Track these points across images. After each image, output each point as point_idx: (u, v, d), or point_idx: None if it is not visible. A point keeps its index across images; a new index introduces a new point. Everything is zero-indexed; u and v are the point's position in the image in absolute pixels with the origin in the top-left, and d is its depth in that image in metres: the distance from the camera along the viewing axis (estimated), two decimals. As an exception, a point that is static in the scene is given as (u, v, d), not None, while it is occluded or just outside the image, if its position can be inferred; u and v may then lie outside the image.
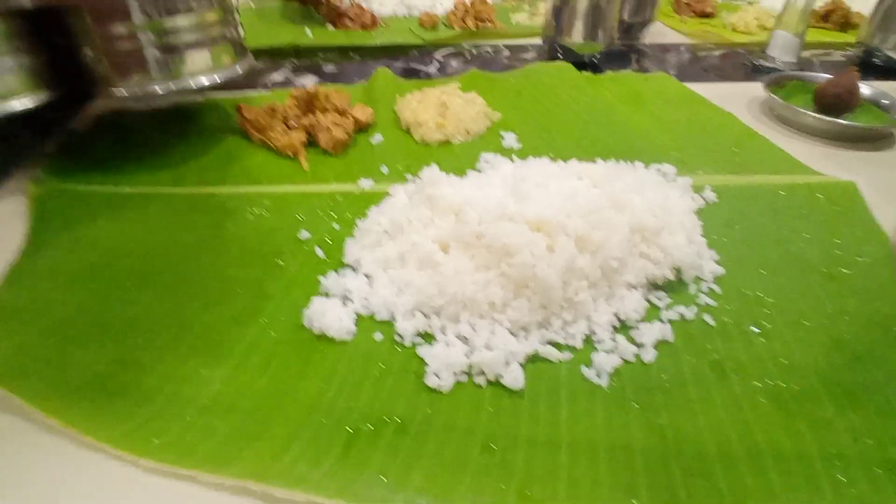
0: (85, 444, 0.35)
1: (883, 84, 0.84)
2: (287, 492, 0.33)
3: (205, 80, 0.57)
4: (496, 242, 0.44)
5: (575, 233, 0.44)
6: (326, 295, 0.46)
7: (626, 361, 0.42)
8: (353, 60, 0.93)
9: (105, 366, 0.40)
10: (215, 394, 0.39)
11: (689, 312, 0.46)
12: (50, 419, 0.36)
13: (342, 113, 0.66)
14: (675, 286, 0.49)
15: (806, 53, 1.01)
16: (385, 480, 0.34)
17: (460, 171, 0.59)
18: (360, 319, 0.45)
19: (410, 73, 0.89)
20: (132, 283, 0.47)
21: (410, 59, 0.94)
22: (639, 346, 0.43)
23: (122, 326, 0.43)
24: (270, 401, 0.39)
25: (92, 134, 0.67)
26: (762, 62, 0.94)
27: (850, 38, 1.09)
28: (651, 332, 0.44)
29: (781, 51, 0.92)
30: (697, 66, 0.96)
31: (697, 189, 0.60)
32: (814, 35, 1.12)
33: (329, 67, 0.89)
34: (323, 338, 0.43)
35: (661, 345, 0.44)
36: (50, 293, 0.45)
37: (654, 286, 0.48)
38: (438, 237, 0.47)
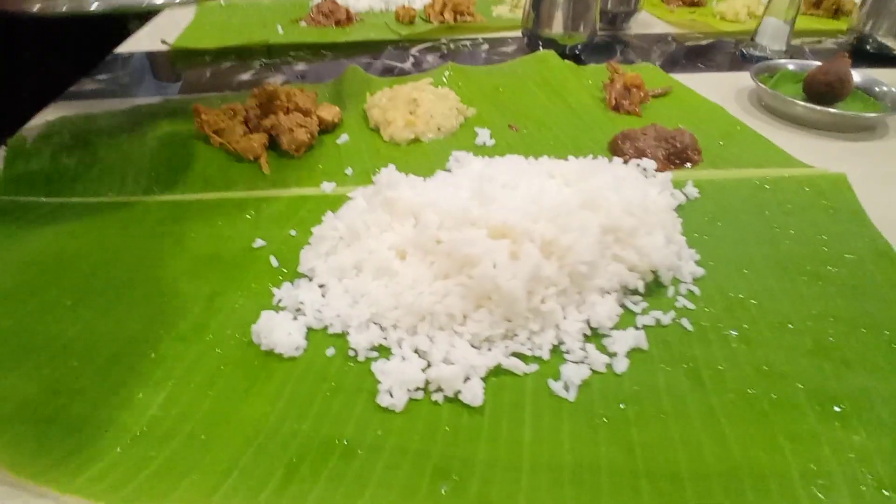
0: (5, 480, 0.33)
1: (875, 71, 0.81)
2: (218, 528, 0.30)
3: None
4: (457, 251, 0.41)
5: (541, 238, 0.41)
6: (277, 308, 0.43)
7: (596, 372, 0.39)
8: (325, 58, 0.90)
9: (35, 391, 0.38)
10: (152, 419, 0.36)
11: (666, 317, 0.43)
12: (-31, 452, 0.33)
13: (306, 113, 0.63)
14: (651, 289, 0.46)
15: (797, 41, 0.98)
16: (325, 513, 0.31)
17: (429, 171, 0.56)
18: (312, 333, 0.42)
19: (385, 70, 0.86)
20: (72, 300, 0.44)
21: (386, 55, 0.91)
22: (611, 355, 0.40)
23: (57, 348, 0.41)
24: (210, 426, 0.36)
25: (38, 141, 0.64)
26: (751, 51, 0.91)
27: (841, 25, 1.06)
28: (624, 340, 0.41)
29: (771, 38, 0.89)
30: (684, 56, 0.93)
31: (679, 185, 0.57)
32: (805, 22, 1.08)
33: (300, 66, 0.87)
34: (271, 354, 0.40)
35: (634, 353, 0.41)
36: (-21, 312, 0.43)
37: (629, 290, 0.45)
38: (396, 243, 0.44)
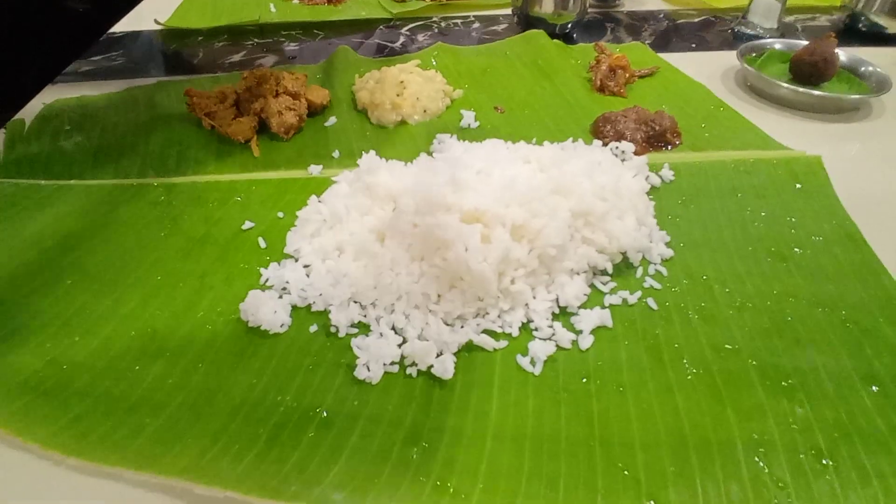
0: (14, 444, 0.36)
1: (866, 50, 0.81)
2: (207, 488, 0.33)
3: None
4: (431, 235, 0.43)
5: (512, 222, 0.43)
6: (263, 287, 0.46)
7: (562, 348, 0.42)
8: (317, 38, 0.90)
9: (40, 365, 0.41)
10: (147, 391, 0.39)
11: (633, 297, 0.45)
12: (-19, 420, 0.37)
13: (295, 96, 0.65)
14: (621, 270, 0.48)
15: (790, 18, 0.97)
16: (303, 475, 0.34)
17: (414, 154, 0.58)
18: (296, 311, 0.44)
19: (376, 50, 0.86)
20: (71, 280, 0.47)
21: (377, 34, 0.92)
22: (577, 332, 0.43)
23: (59, 325, 0.43)
24: (201, 396, 0.39)
25: (36, 124, 0.66)
26: (742, 28, 0.91)
27: (836, 1, 1.04)
28: (590, 319, 0.43)
29: (762, 16, 0.88)
30: (676, 34, 0.93)
31: (655, 167, 0.58)
32: (800, -3, 1.07)
33: (291, 46, 0.87)
34: (258, 331, 0.43)
35: (599, 331, 0.43)
36: (-15, 293, 0.46)
37: (598, 271, 0.47)
38: (375, 227, 0.46)
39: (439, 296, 0.43)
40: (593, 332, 0.43)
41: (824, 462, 0.35)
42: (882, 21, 0.87)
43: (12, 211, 0.53)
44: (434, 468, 0.35)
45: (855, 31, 0.91)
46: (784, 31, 0.90)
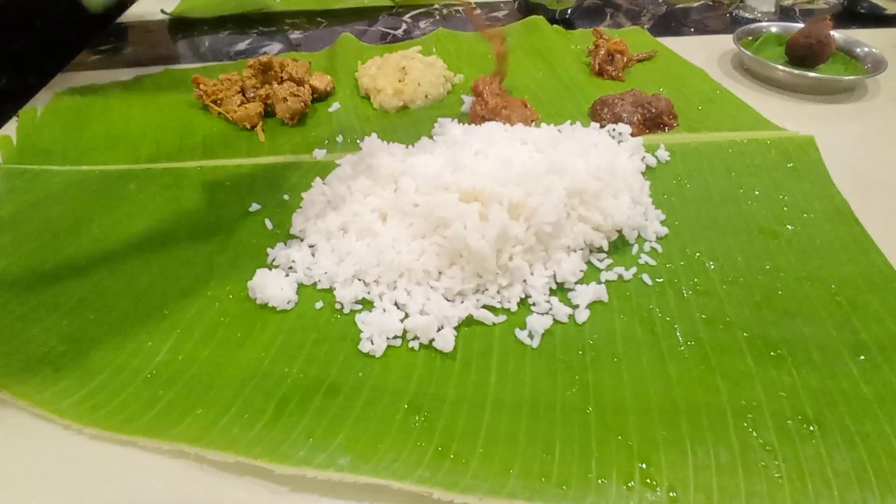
0: (35, 414, 0.38)
1: (865, 32, 0.81)
2: (218, 454, 0.35)
3: None
4: (431, 214, 0.44)
5: (509, 201, 0.44)
6: (270, 266, 0.47)
7: (559, 322, 0.43)
8: (320, 26, 0.91)
9: (57, 341, 0.42)
10: (160, 364, 0.41)
11: (628, 273, 0.47)
12: (2, 392, 0.38)
13: (299, 82, 0.66)
14: (617, 247, 0.50)
15: (789, 2, 0.97)
16: (310, 441, 0.36)
17: (415, 138, 0.59)
18: (302, 288, 0.46)
19: (379, 37, 0.87)
20: (86, 261, 0.49)
21: (380, 21, 0.93)
22: (573, 307, 0.44)
23: (74, 303, 0.45)
24: (212, 370, 0.40)
25: (48, 113, 0.67)
26: (741, 13, 0.91)
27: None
28: (586, 294, 0.45)
29: (760, 0, 0.89)
30: (675, 19, 0.93)
31: (651, 148, 0.59)
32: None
33: (295, 34, 0.88)
34: (265, 307, 0.45)
35: (595, 305, 0.45)
36: (4, 272, 0.47)
37: (594, 248, 0.49)
38: (378, 207, 0.48)
39: (440, 272, 0.45)
40: (589, 306, 0.44)
41: (811, 428, 0.36)
42: (881, 2, 0.87)
43: (27, 196, 0.55)
44: (435, 435, 0.36)
45: (854, 13, 0.91)
46: (782, 14, 0.90)
